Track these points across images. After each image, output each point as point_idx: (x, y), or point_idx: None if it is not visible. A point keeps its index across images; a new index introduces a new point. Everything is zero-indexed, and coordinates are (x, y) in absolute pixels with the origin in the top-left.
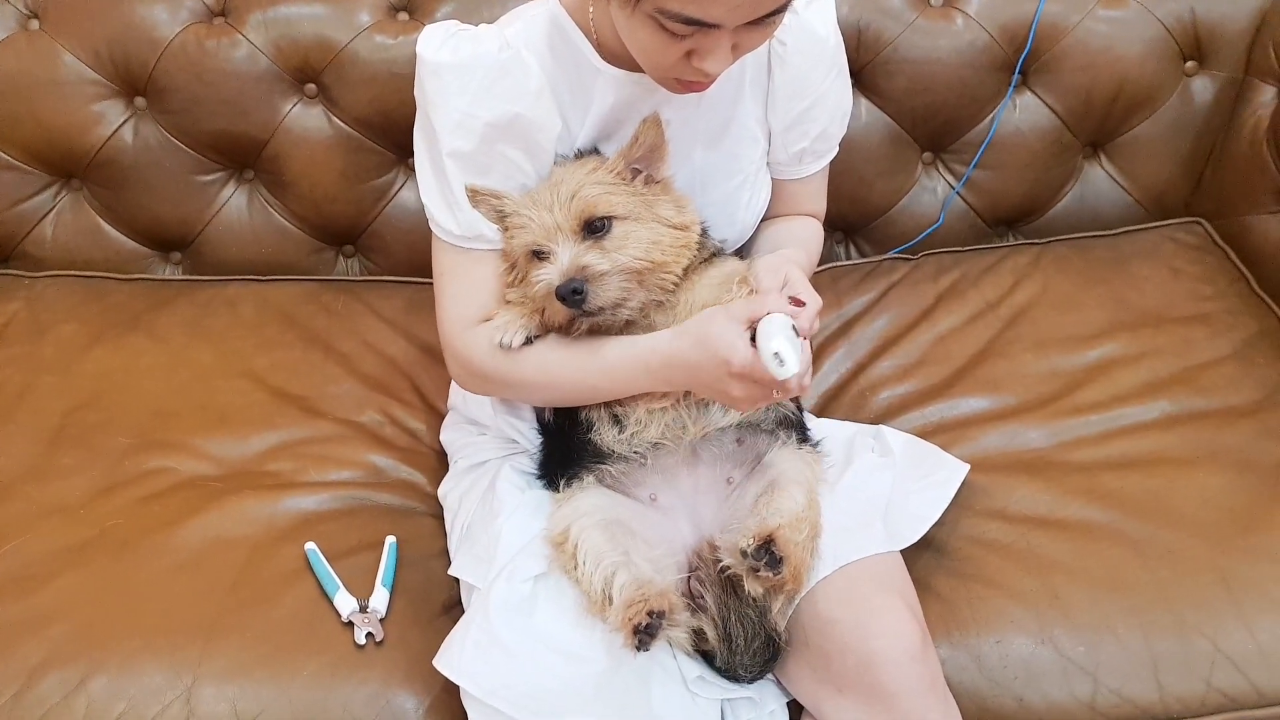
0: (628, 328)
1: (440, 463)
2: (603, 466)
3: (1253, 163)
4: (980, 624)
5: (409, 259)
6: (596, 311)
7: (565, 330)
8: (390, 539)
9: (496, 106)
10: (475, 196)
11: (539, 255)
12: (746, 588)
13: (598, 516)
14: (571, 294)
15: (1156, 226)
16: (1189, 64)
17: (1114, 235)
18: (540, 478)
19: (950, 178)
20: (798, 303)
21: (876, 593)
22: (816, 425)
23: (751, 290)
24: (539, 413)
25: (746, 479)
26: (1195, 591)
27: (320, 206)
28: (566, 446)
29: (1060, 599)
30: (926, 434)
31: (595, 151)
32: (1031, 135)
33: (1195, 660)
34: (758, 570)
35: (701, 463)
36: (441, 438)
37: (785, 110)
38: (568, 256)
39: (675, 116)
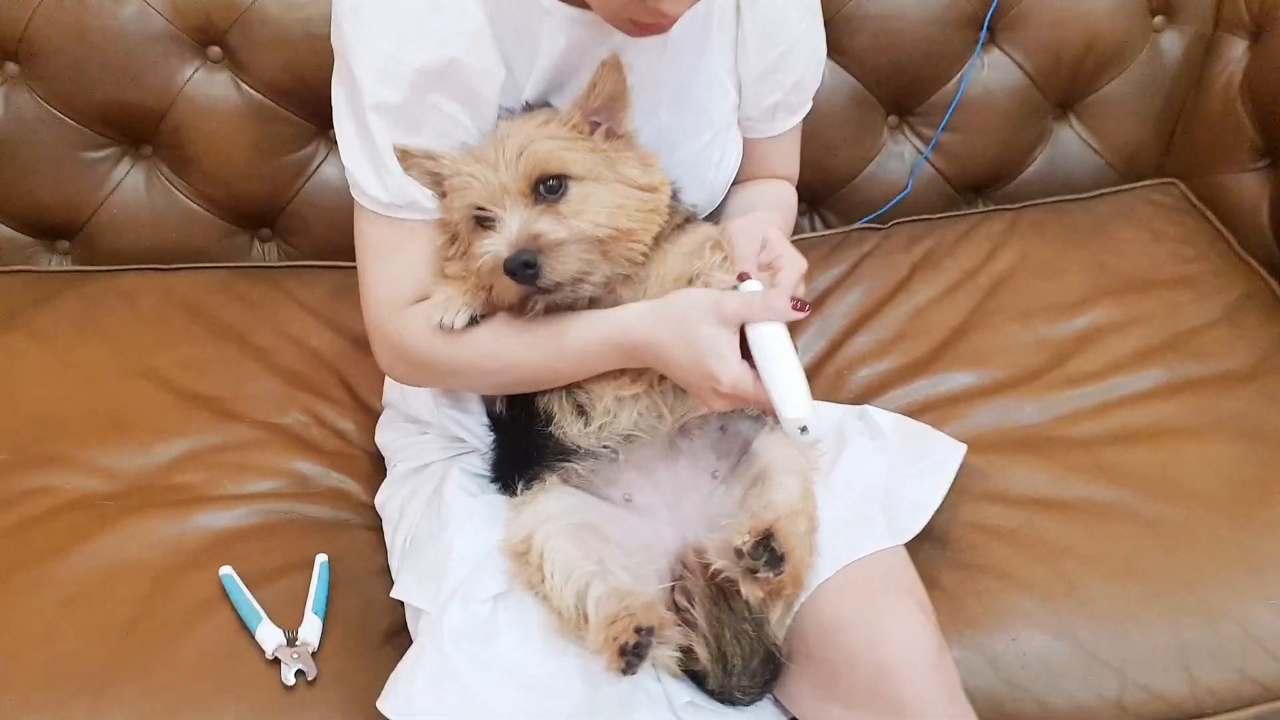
0: (591, 307)
1: (376, 467)
2: (567, 464)
3: (1226, 120)
4: (992, 620)
5: (333, 241)
6: (553, 288)
7: (518, 310)
8: (321, 558)
9: (428, 49)
10: (406, 158)
11: (483, 222)
12: (743, 594)
13: (565, 521)
14: (523, 267)
15: (1131, 188)
16: (1157, 19)
17: (1088, 199)
18: (494, 480)
19: (918, 142)
20: (801, 305)
21: (885, 593)
22: None
23: (726, 256)
24: (488, 405)
25: (732, 471)
26: (1218, 572)
27: (230, 185)
28: (523, 443)
29: (1076, 588)
30: (912, 413)
31: (546, 105)
32: (1001, 95)
33: (1226, 648)
34: (756, 571)
35: (681, 455)
36: (377, 439)
37: (758, 57)
38: (517, 223)
39: (636, 64)
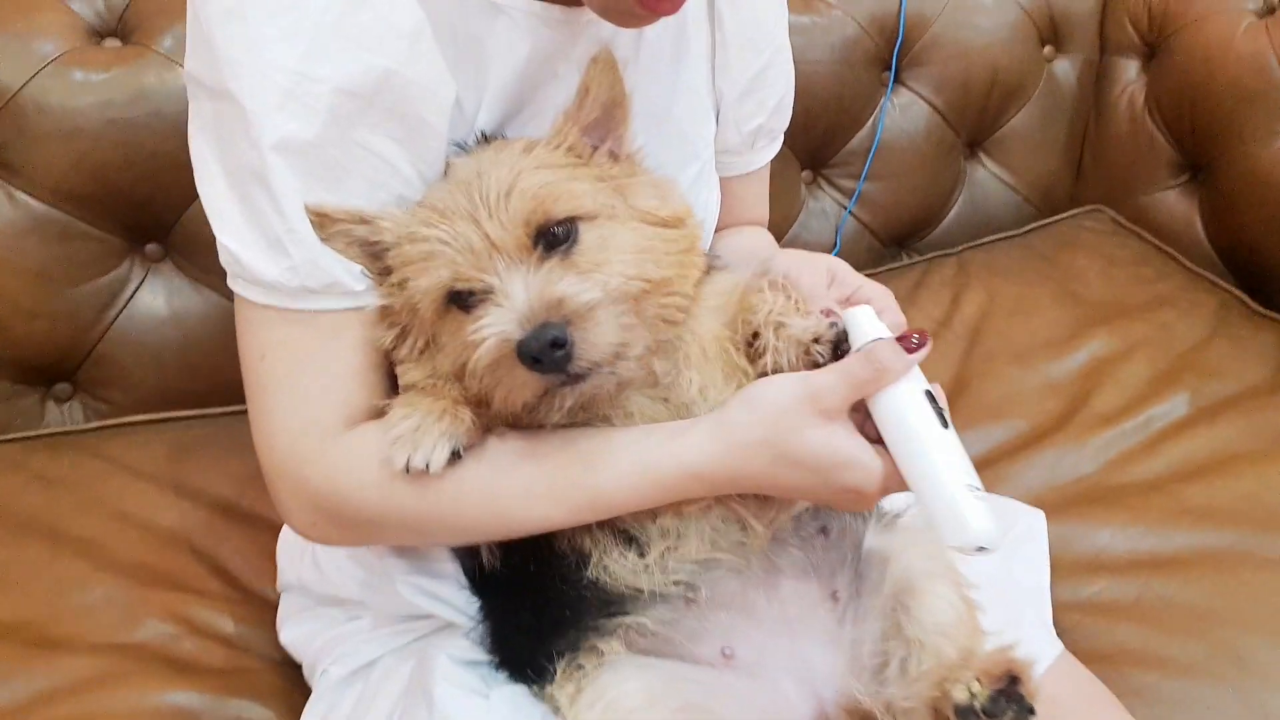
0: (620, 394)
1: (290, 679)
2: (625, 619)
3: (1138, 140)
4: None
5: (162, 388)
6: (589, 372)
7: (530, 416)
8: None
9: (352, 59)
10: (326, 223)
11: (462, 300)
12: None
13: (662, 710)
14: (550, 348)
15: (1061, 219)
16: (1046, 49)
17: (1021, 234)
18: (501, 665)
19: (839, 195)
20: (921, 339)
21: (1100, 712)
22: None
23: (791, 297)
24: (462, 556)
25: (855, 587)
26: None
27: (8, 329)
28: (541, 601)
29: (1244, 660)
30: None
31: (502, 139)
32: (918, 136)
33: None
34: None
35: (783, 577)
36: (282, 639)
37: (740, 69)
38: (523, 290)
39: None
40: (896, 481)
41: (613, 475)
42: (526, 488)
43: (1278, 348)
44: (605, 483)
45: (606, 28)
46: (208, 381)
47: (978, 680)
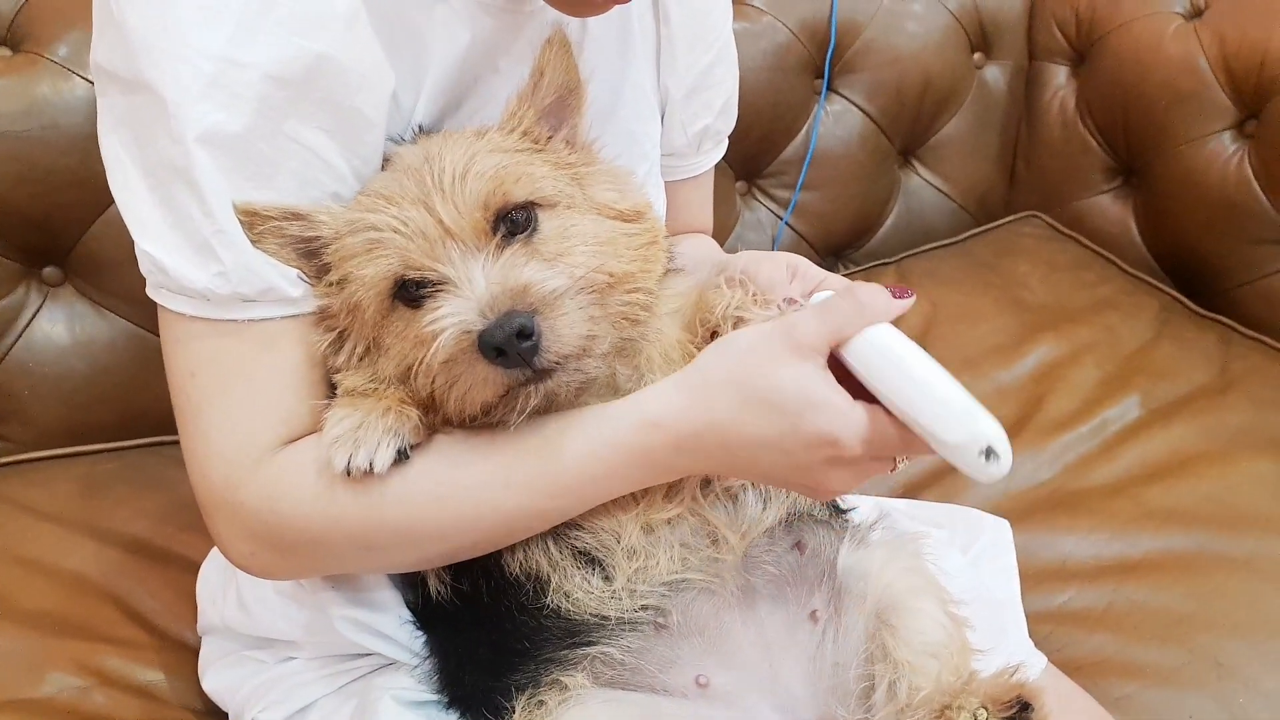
0: (579, 398)
1: None
2: (589, 649)
3: (1071, 145)
4: None
5: (68, 422)
6: (556, 368)
7: (486, 420)
8: None
9: (285, 43)
10: (257, 221)
11: (409, 294)
12: None
13: None
14: (515, 339)
15: (997, 226)
16: (976, 55)
17: (959, 241)
18: (452, 704)
19: (774, 206)
20: (903, 292)
21: None
22: None
23: (754, 295)
24: (405, 588)
25: (834, 608)
26: None
27: None
28: (496, 634)
29: (1223, 664)
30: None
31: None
32: (852, 144)
33: None
34: None
35: (759, 597)
36: (206, 686)
37: (686, 66)
38: (482, 277)
39: None
40: (880, 437)
41: (570, 446)
42: (482, 478)
43: (1221, 348)
44: (564, 455)
45: (550, 17)
46: (119, 413)
47: (984, 708)
